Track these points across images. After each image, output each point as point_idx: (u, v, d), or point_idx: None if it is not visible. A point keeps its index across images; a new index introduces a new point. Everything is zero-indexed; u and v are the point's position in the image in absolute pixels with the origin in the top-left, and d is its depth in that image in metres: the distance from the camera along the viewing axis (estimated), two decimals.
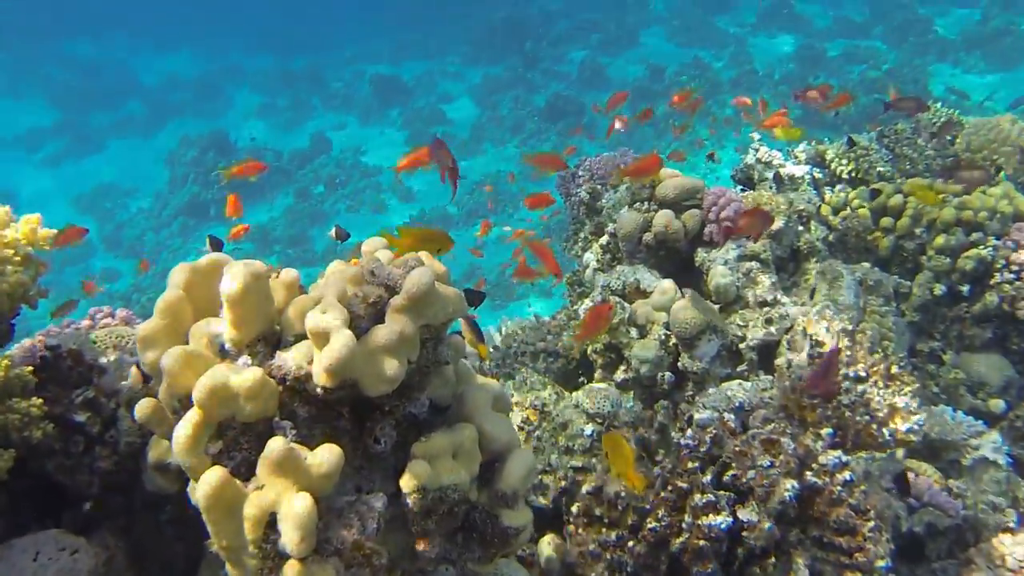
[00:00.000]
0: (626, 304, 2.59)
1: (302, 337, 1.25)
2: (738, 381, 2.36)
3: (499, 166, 12.07)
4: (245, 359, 1.24)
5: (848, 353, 1.88)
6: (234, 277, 1.20)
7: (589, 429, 2.43)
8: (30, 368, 1.41)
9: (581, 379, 2.84)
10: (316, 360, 1.17)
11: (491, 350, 3.16)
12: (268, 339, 1.28)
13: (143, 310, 2.45)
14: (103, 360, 1.72)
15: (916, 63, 11.80)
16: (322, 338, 1.15)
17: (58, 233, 1.59)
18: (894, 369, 1.92)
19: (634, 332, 2.54)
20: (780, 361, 2.06)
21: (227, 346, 1.27)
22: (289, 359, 1.20)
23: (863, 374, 1.87)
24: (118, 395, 1.62)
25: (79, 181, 15.01)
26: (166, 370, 1.21)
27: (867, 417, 1.82)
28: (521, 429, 2.53)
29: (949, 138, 3.83)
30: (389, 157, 13.27)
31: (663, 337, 2.49)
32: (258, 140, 13.56)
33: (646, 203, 2.77)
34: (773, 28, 15.23)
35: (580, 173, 3.55)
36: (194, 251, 11.82)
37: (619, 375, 2.58)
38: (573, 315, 3.18)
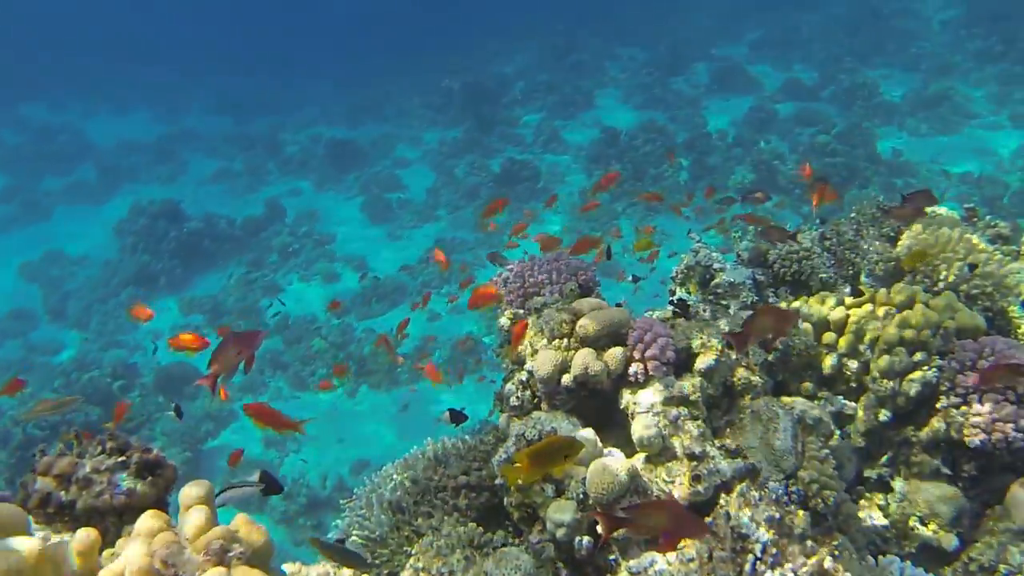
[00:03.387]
0: None
1: None
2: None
3: (454, 233, 11.93)
4: None
5: (774, 551, 1.66)
6: None
7: None
8: None
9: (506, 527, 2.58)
10: None
11: (408, 484, 2.91)
12: None
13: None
14: None
15: (865, 126, 11.95)
16: None
17: None
18: (827, 564, 1.70)
19: (550, 490, 2.30)
20: (701, 549, 1.83)
21: None
22: None
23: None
24: None
25: (26, 248, 14.58)
26: None
27: None
28: None
29: (892, 235, 3.68)
30: (345, 224, 13.07)
31: (581, 496, 2.25)
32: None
33: (566, 339, 2.55)
34: (726, 90, 15.45)
35: (512, 280, 3.28)
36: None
37: (534, 535, 2.33)
38: (501, 436, 2.93)
